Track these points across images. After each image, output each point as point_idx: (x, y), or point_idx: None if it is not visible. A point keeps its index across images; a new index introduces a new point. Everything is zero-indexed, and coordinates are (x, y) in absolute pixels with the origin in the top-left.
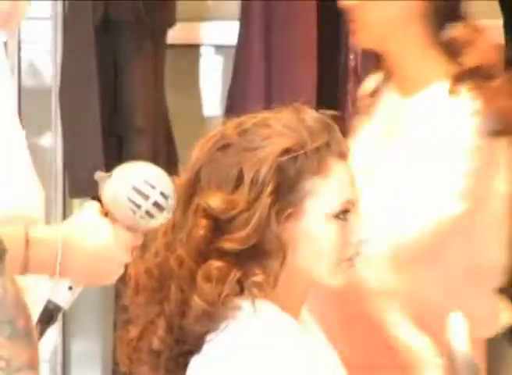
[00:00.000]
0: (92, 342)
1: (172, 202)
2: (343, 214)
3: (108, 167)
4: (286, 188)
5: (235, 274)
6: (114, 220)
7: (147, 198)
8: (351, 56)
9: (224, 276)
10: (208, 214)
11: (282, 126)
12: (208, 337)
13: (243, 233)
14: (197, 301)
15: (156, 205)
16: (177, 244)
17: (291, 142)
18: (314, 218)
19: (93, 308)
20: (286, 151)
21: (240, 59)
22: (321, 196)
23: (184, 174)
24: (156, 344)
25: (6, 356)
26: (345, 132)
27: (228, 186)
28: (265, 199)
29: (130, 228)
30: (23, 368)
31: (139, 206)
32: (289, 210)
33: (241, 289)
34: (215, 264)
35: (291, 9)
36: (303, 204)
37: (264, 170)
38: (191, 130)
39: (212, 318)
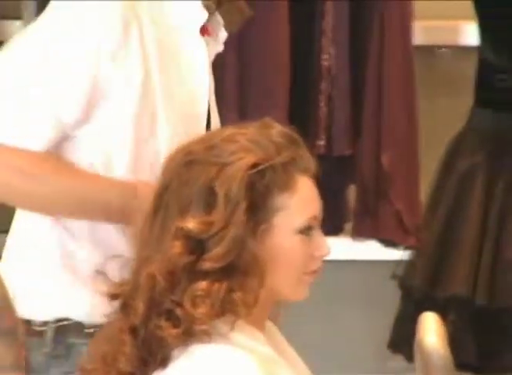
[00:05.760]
0: None
1: None
2: (307, 229)
3: None
4: (257, 205)
5: (218, 293)
6: None
7: None
8: (325, 56)
9: (207, 296)
10: (185, 235)
11: (249, 141)
12: (176, 352)
13: (219, 250)
14: (183, 318)
15: None
16: (150, 261)
17: (258, 157)
18: (283, 234)
19: None
20: (254, 166)
21: (213, 66)
22: (289, 212)
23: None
24: (123, 362)
25: None
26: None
27: (199, 204)
28: (240, 216)
29: None
30: (7, 368)
31: None
32: (263, 227)
33: (222, 310)
34: (200, 285)
35: (263, 12)
36: (273, 220)
37: (235, 187)
38: None
39: (188, 336)
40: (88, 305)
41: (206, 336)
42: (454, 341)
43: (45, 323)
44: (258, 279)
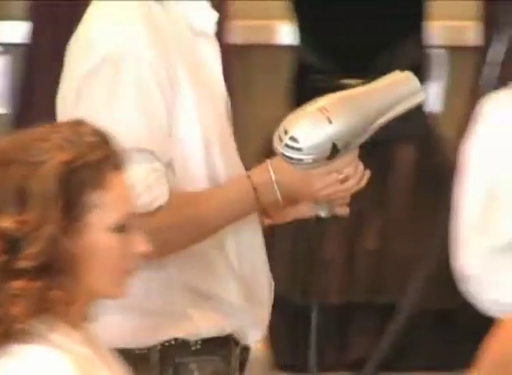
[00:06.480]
0: None
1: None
2: (122, 227)
3: None
4: (71, 203)
5: (33, 292)
6: None
7: (286, 132)
8: None
9: (23, 294)
10: (1, 235)
11: (62, 139)
12: None
13: (33, 249)
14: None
15: (292, 139)
16: None
17: (71, 155)
18: (97, 232)
19: None
20: (67, 163)
21: (29, 59)
22: (102, 210)
23: None
24: None
25: None
26: None
27: (13, 203)
28: (54, 214)
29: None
30: None
31: (281, 139)
32: (77, 225)
33: (39, 309)
34: (15, 284)
35: (78, 6)
36: (87, 218)
37: (48, 186)
38: None
39: (6, 337)
40: (193, 322)
41: (25, 336)
42: (272, 340)
43: (150, 348)
44: (74, 277)
